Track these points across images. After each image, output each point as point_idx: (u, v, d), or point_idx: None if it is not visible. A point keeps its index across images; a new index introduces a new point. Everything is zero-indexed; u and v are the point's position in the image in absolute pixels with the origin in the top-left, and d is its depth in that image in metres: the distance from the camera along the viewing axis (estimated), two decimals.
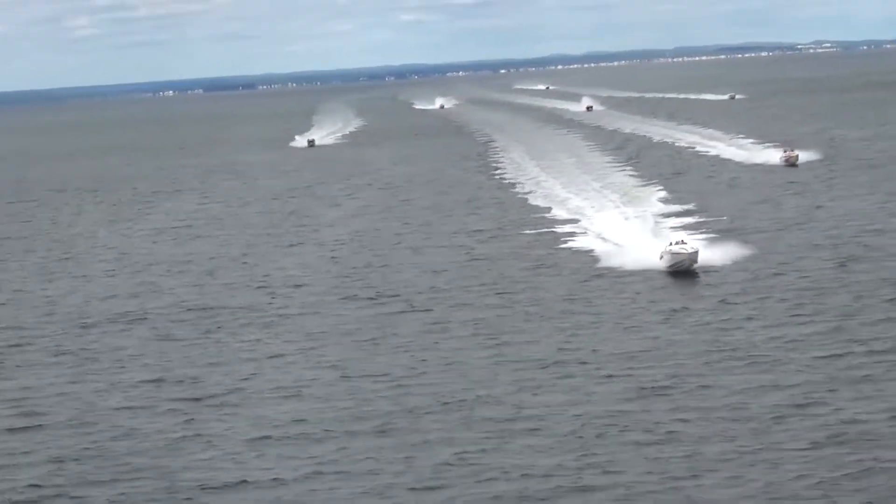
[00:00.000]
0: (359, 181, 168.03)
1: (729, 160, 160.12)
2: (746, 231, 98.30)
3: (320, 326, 74.73)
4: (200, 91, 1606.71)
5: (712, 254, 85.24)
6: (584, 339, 67.30)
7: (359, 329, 73.25)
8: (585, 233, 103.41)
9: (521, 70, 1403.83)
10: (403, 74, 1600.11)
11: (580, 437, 50.41)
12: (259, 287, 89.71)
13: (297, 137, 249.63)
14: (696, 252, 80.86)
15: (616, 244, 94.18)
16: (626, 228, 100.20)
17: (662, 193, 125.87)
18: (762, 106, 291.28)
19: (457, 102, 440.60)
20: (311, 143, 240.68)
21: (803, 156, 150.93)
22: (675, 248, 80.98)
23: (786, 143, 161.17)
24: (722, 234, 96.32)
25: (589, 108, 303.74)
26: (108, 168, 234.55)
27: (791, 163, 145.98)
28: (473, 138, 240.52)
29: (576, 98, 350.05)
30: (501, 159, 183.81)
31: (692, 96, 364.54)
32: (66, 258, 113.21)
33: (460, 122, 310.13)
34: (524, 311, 75.33)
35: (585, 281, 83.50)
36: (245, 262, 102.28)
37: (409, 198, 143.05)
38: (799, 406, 52.64)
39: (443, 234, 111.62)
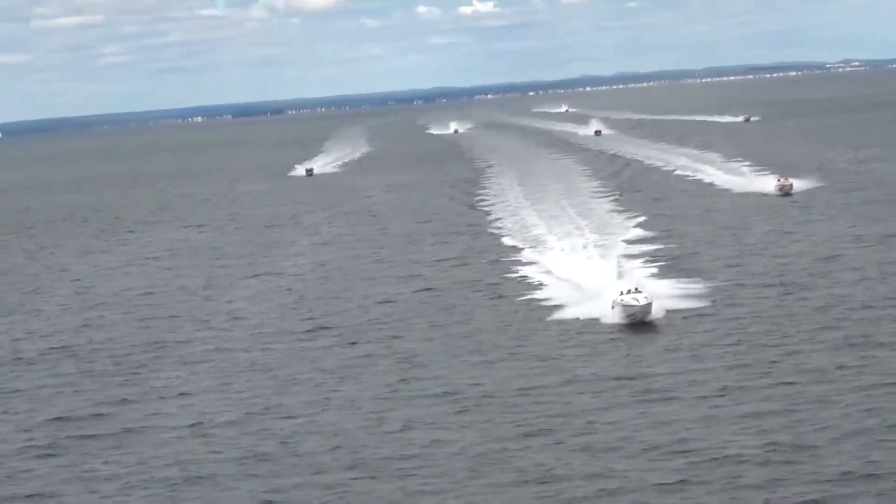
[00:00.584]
0: (345, 209, 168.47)
1: (723, 189, 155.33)
2: (712, 272, 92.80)
3: (243, 362, 75.03)
4: (229, 116, 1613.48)
5: (669, 300, 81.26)
6: (498, 374, 67.11)
7: (279, 365, 73.44)
8: (544, 269, 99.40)
9: (549, 92, 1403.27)
10: (432, 98, 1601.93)
11: (454, 473, 50.24)
12: (202, 321, 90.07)
13: (296, 166, 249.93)
14: (650, 304, 76.05)
15: (570, 284, 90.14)
16: (587, 268, 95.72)
17: (638, 228, 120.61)
18: (775, 128, 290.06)
19: (471, 126, 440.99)
20: (309, 172, 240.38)
21: (799, 184, 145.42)
22: (628, 300, 76.18)
23: (782, 171, 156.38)
24: (685, 273, 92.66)
25: (597, 133, 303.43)
26: (104, 198, 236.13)
27: (785, 192, 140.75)
28: (473, 164, 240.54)
29: (588, 121, 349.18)
30: (491, 186, 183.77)
31: (707, 118, 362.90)
32: (29, 291, 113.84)
33: (467, 147, 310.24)
34: (451, 345, 75.28)
35: (524, 320, 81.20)
36: (200, 296, 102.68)
37: (387, 227, 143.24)
38: (681, 441, 52.37)
39: (405, 263, 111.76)
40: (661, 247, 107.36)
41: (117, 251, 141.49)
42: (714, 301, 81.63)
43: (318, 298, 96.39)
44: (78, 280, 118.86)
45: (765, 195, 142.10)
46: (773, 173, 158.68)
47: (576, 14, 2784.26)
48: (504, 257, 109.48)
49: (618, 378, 64.02)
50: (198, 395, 67.27)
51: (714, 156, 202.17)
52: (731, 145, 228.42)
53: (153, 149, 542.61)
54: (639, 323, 75.68)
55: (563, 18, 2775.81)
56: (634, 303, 75.72)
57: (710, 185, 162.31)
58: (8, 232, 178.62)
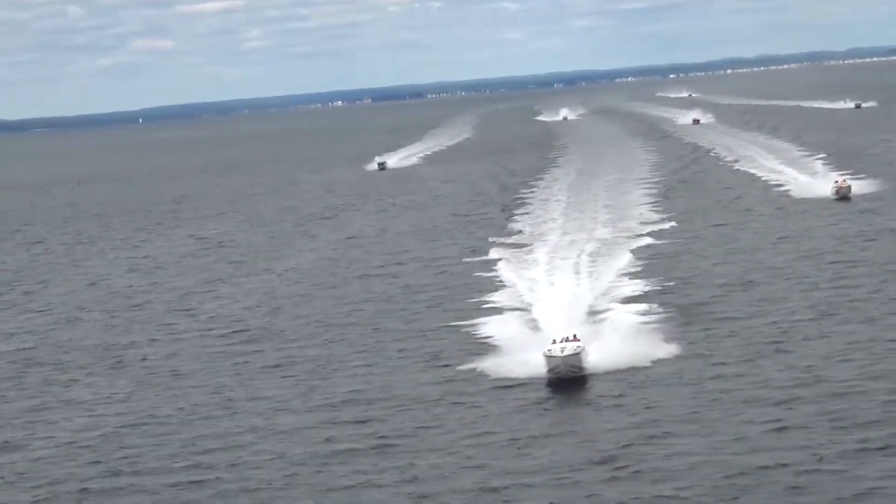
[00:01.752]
0: (387, 203, 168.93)
1: (781, 190, 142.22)
2: (710, 312, 78.92)
3: (167, 367, 76.34)
4: (369, 101, 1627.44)
5: (632, 348, 68.36)
6: (375, 382, 66.83)
7: (201, 369, 74.53)
8: (518, 290, 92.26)
9: (689, 75, 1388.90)
10: (573, 81, 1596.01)
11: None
12: (162, 325, 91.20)
13: (376, 158, 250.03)
14: (577, 355, 63.67)
15: (525, 320, 79.31)
16: (561, 296, 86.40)
17: (651, 240, 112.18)
18: (884, 116, 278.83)
19: (584, 112, 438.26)
20: (381, 165, 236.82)
21: (861, 185, 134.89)
22: (555, 350, 64.03)
23: (852, 167, 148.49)
24: (678, 309, 79.68)
25: (695, 121, 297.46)
26: (167, 189, 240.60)
27: (843, 195, 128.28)
28: (550, 153, 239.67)
29: (691, 109, 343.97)
30: (547, 178, 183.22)
31: (817, 104, 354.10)
32: (36, 289, 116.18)
33: (563, 134, 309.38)
34: (363, 354, 75.28)
35: (456, 339, 77.45)
36: (181, 296, 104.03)
37: (413, 222, 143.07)
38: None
39: (397, 262, 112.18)
40: (665, 269, 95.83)
41: (140, 248, 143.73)
42: (692, 356, 66.79)
43: (287, 298, 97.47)
44: (85, 278, 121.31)
45: (821, 199, 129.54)
46: (840, 171, 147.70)
47: None
48: (488, 268, 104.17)
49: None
50: (100, 403, 68.38)
51: (796, 150, 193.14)
52: (824, 136, 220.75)
53: (273, 135, 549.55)
54: (567, 380, 63.08)
55: (705, 1, 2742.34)
56: (556, 354, 63.41)
57: (769, 186, 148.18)
58: (61, 225, 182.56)
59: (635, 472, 49.40)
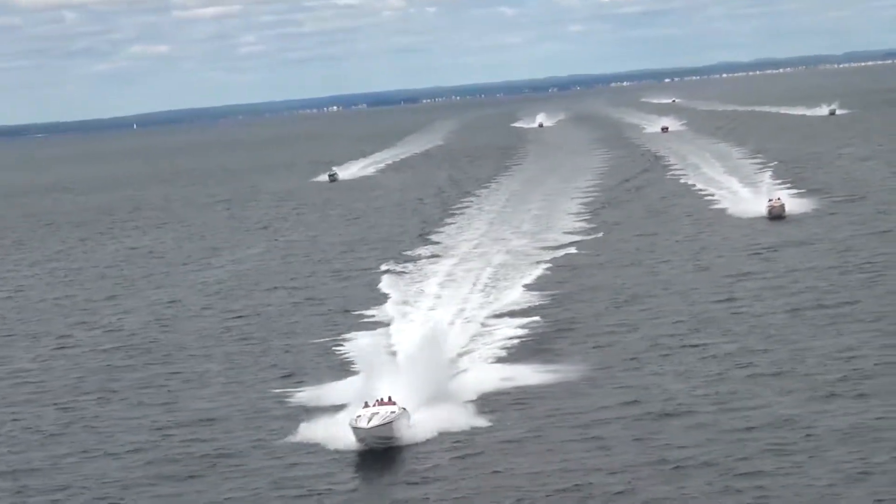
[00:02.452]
0: (324, 215, 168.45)
1: (718, 207, 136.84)
2: (589, 362, 70.13)
3: (36, 381, 76.78)
4: (364, 106, 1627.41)
5: (469, 410, 60.62)
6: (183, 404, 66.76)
7: (66, 385, 75.20)
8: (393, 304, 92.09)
9: (685, 79, 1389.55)
10: (568, 85, 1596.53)
11: None
12: (58, 337, 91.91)
13: (334, 168, 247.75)
14: (387, 425, 55.36)
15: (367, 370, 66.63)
16: (426, 316, 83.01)
17: (564, 249, 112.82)
18: (852, 123, 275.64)
19: (561, 118, 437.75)
20: (332, 177, 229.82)
21: (803, 203, 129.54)
22: (361, 419, 55.71)
23: (789, 185, 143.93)
24: (548, 356, 72.16)
25: (664, 129, 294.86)
26: (129, 197, 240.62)
27: (776, 214, 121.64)
28: (508, 161, 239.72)
29: (661, 117, 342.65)
30: (490, 187, 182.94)
31: (794, 111, 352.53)
32: None
33: (531, 141, 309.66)
34: (223, 371, 75.39)
35: (311, 359, 76.60)
36: (87, 308, 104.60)
37: (341, 234, 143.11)
38: None
39: (309, 274, 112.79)
40: (558, 283, 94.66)
41: (72, 258, 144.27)
42: (542, 420, 59.25)
43: (189, 312, 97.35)
44: (8, 287, 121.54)
45: (755, 217, 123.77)
46: (783, 183, 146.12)
47: (714, 1, 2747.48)
48: (387, 282, 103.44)
49: None
50: None
51: (752, 161, 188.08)
52: (786, 146, 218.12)
53: (252, 142, 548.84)
54: (380, 448, 55.37)
55: (701, 5, 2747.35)
56: (362, 425, 55.19)
57: (707, 201, 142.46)
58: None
59: None
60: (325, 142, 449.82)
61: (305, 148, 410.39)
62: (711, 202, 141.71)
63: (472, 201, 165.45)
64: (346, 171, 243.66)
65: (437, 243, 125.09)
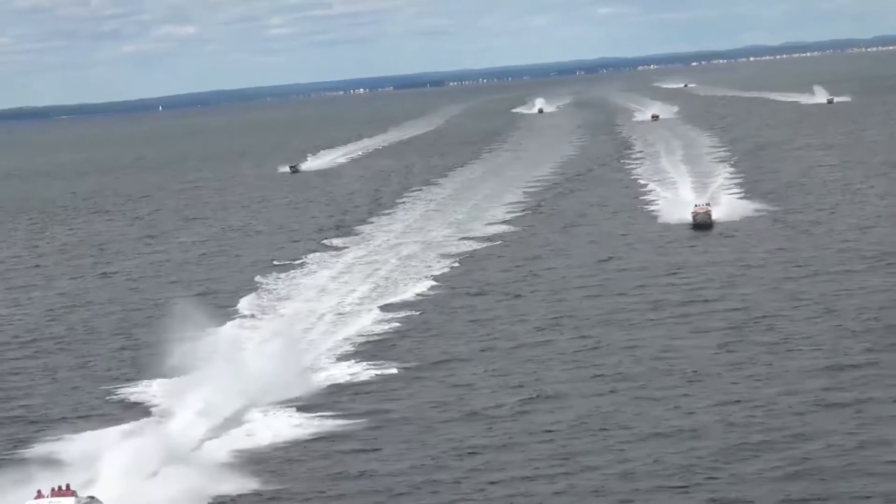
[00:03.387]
0: (260, 207, 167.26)
1: (647, 210, 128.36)
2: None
3: None
4: (391, 88, 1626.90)
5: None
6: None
7: None
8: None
9: (712, 62, 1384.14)
10: (595, 68, 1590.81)
11: None
12: None
13: (309, 156, 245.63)
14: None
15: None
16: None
17: (467, 246, 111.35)
18: (846, 112, 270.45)
19: (566, 102, 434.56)
20: (293, 168, 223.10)
21: (731, 209, 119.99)
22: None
23: (738, 189, 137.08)
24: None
25: (654, 117, 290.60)
26: (99, 184, 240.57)
27: (700, 222, 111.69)
28: (486, 148, 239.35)
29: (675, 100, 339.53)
30: (445, 178, 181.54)
31: (796, 98, 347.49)
32: None
33: (523, 127, 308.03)
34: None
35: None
36: None
37: (260, 231, 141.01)
38: None
39: (192, 277, 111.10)
40: (432, 300, 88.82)
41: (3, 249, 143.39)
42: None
43: (65, 308, 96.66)
44: None
45: (679, 226, 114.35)
46: (734, 187, 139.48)
47: None
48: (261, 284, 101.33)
49: None
50: None
51: (715, 157, 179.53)
52: (763, 137, 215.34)
53: (258, 125, 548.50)
54: None
55: None
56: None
57: (644, 202, 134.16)
58: None
59: None
60: (325, 126, 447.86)
61: (300, 133, 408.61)
62: (646, 203, 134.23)
63: (422, 191, 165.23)
64: (320, 160, 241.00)
65: (356, 234, 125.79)
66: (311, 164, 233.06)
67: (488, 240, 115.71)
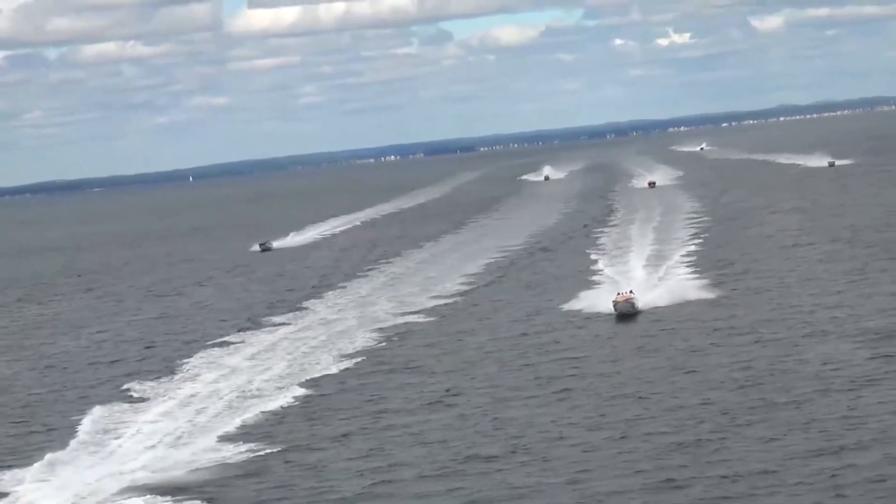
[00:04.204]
0: (213, 286, 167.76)
1: (584, 294, 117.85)
2: None
3: None
4: (422, 155, 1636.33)
5: None
6: None
7: None
8: None
9: (742, 123, 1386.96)
10: (626, 131, 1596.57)
11: None
12: None
13: (291, 233, 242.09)
14: None
15: None
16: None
17: (362, 339, 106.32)
18: (844, 176, 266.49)
19: (575, 169, 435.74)
20: (264, 246, 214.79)
21: (669, 293, 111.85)
22: None
23: (681, 267, 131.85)
24: None
25: (651, 184, 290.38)
26: (92, 259, 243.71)
27: (623, 311, 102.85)
28: (468, 219, 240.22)
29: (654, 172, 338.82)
30: (399, 255, 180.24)
31: (800, 161, 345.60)
32: None
33: (518, 196, 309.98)
34: None
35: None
36: None
37: (205, 307, 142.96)
38: None
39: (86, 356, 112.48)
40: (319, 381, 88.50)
41: None
42: None
43: None
44: None
45: (601, 316, 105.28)
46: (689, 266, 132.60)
47: (773, 43, 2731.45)
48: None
49: None
50: None
51: (689, 231, 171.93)
52: (751, 204, 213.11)
53: (273, 195, 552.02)
54: None
55: (760, 48, 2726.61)
56: None
57: (585, 287, 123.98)
58: None
59: None
60: (331, 196, 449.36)
61: (304, 204, 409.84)
62: (589, 285, 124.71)
63: (389, 263, 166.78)
64: (303, 235, 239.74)
65: (297, 311, 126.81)
66: (291, 239, 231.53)
67: (426, 314, 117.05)
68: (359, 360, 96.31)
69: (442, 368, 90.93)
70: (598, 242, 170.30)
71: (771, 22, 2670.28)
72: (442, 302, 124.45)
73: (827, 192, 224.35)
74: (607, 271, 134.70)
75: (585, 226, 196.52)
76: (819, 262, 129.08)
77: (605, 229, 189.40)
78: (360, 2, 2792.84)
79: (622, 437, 66.77)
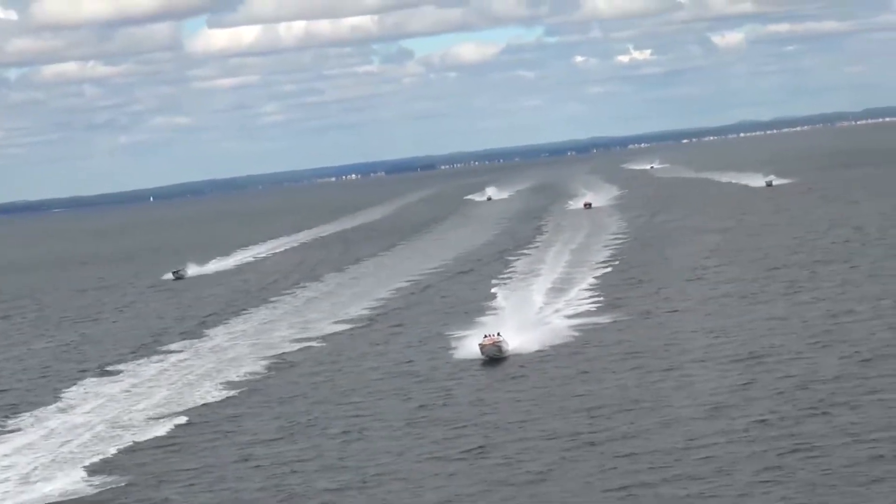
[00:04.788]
0: (125, 313, 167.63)
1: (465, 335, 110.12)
2: None
3: None
4: (382, 173, 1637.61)
5: None
6: None
7: None
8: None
9: (702, 140, 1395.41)
10: (587, 148, 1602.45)
11: None
12: None
13: (214, 259, 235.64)
14: None
15: None
16: None
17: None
18: (779, 199, 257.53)
19: (520, 189, 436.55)
20: (177, 274, 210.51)
21: (542, 336, 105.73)
22: None
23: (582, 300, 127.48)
24: None
25: (587, 206, 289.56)
26: (32, 281, 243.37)
27: (489, 355, 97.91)
28: (395, 242, 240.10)
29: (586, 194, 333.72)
30: (336, 275, 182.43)
31: (739, 180, 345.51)
32: None
33: (456, 218, 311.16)
34: None
35: None
36: None
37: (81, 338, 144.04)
38: None
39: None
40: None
41: None
42: None
43: None
44: None
45: (469, 361, 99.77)
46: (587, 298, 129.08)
47: (733, 60, 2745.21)
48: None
49: None
50: None
51: (603, 258, 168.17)
52: (678, 225, 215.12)
53: (223, 216, 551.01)
54: None
55: (720, 64, 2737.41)
56: None
57: (472, 325, 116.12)
58: None
59: None
60: (280, 217, 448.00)
61: (248, 225, 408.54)
62: (476, 324, 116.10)
63: (304, 288, 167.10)
64: (227, 261, 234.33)
65: (196, 338, 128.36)
66: (213, 265, 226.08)
67: (322, 339, 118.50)
68: (239, 389, 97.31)
69: (316, 397, 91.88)
70: (510, 268, 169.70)
71: (731, 38, 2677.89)
72: (341, 328, 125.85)
73: (755, 212, 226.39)
74: (501, 301, 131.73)
75: (501, 252, 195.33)
76: (720, 285, 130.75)
77: (526, 251, 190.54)
78: (320, 20, 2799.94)
79: (452, 474, 67.81)
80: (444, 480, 66.65)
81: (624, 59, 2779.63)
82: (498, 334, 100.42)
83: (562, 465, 67.12)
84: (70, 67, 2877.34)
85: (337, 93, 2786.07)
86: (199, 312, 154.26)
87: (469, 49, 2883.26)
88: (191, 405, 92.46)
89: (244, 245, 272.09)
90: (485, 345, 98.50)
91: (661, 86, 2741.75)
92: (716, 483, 60.92)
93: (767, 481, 60.28)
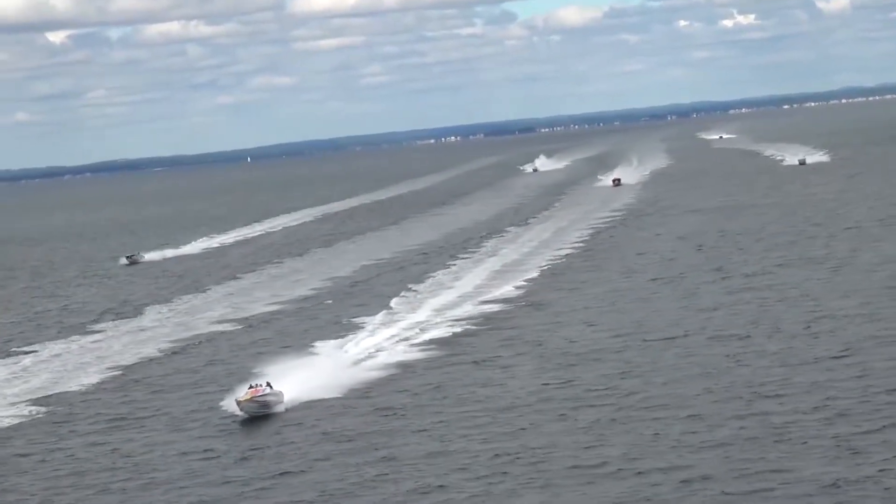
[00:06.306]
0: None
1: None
2: None
3: None
4: (481, 136, 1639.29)
5: None
6: None
7: None
8: None
9: (804, 105, 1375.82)
10: (688, 113, 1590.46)
11: None
12: None
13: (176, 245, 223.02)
14: None
15: None
16: None
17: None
18: (804, 177, 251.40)
19: (577, 158, 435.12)
20: (131, 258, 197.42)
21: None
22: None
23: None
24: None
25: (616, 182, 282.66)
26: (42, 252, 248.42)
27: (249, 412, 79.01)
28: (423, 211, 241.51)
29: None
30: (326, 251, 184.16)
31: (781, 155, 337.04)
32: None
33: (498, 187, 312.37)
34: None
35: None
36: None
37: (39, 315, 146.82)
38: None
39: None
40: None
41: None
42: None
43: None
44: None
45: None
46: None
47: (839, 25, 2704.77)
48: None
49: None
50: None
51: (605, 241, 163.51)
52: (693, 205, 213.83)
53: (298, 180, 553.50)
54: None
55: (825, 29, 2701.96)
56: None
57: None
58: None
59: None
60: (329, 185, 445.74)
61: (295, 191, 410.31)
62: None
63: (261, 270, 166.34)
64: (200, 244, 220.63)
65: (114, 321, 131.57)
66: (185, 249, 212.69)
67: (234, 323, 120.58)
68: (114, 373, 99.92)
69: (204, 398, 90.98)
70: (466, 253, 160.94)
71: (836, 3, 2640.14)
72: (260, 311, 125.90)
73: (765, 192, 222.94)
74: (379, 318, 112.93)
75: (483, 235, 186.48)
76: (664, 271, 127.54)
77: (507, 232, 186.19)
78: None
79: None
80: None
81: (728, 23, 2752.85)
82: (268, 384, 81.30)
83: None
84: (173, 27, 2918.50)
85: (439, 55, 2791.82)
86: (134, 297, 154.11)
87: (572, 12, 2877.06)
88: (62, 389, 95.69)
89: (248, 222, 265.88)
90: (241, 401, 79.40)
91: (764, 51, 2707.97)
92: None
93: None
